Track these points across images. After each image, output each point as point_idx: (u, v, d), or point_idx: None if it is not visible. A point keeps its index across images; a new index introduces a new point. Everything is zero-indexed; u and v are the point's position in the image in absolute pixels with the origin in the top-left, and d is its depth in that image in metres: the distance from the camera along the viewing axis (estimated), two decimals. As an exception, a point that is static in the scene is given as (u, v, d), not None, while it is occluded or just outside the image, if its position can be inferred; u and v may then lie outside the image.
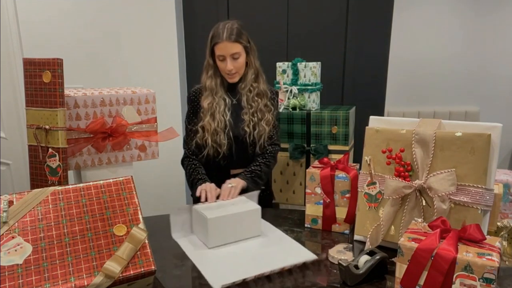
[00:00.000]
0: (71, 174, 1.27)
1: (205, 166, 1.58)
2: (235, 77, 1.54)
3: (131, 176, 1.04)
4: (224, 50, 1.47)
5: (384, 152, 1.14)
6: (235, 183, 1.42)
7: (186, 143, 1.59)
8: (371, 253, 1.03)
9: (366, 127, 1.20)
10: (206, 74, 1.57)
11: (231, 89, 1.60)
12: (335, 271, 1.05)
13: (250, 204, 1.30)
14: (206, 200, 1.34)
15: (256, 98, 1.58)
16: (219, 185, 1.43)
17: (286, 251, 1.16)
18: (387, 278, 1.01)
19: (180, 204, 2.38)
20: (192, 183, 1.52)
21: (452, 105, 3.25)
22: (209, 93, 1.55)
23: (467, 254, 0.82)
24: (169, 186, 2.64)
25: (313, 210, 1.33)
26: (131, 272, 0.88)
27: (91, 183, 0.99)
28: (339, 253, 1.11)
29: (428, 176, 1.06)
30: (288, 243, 1.22)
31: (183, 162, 1.60)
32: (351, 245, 1.18)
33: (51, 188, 0.95)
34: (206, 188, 1.37)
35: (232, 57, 1.49)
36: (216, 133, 1.52)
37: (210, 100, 1.54)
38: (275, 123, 1.63)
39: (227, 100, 1.56)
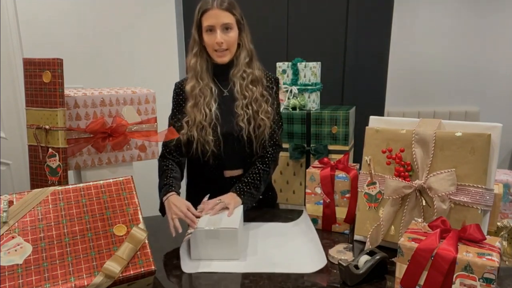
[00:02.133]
0: (71, 174, 1.27)
1: (195, 166, 1.45)
2: (226, 55, 1.32)
3: (131, 176, 1.04)
4: (214, 19, 1.27)
5: (384, 152, 1.14)
6: (227, 201, 1.25)
7: (164, 147, 1.41)
8: (371, 253, 1.03)
9: (366, 127, 1.20)
10: (190, 53, 1.36)
11: (220, 76, 1.38)
12: (335, 271, 1.05)
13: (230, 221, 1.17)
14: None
15: (250, 86, 1.36)
16: (212, 189, 1.32)
17: (301, 258, 1.13)
18: (387, 278, 1.01)
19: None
20: (159, 187, 1.34)
21: (452, 105, 3.25)
22: (193, 75, 1.34)
23: (467, 254, 0.82)
24: (169, 186, 2.64)
25: (313, 210, 1.33)
26: (131, 272, 0.88)
27: (91, 183, 0.99)
28: (339, 253, 1.11)
29: (428, 176, 1.06)
30: (308, 249, 1.17)
31: (158, 161, 1.42)
32: (351, 245, 1.18)
33: (51, 188, 0.95)
34: (178, 214, 1.19)
35: (224, 28, 1.29)
36: (201, 127, 1.33)
37: (193, 83, 1.33)
38: (276, 118, 1.43)
39: (213, 89, 1.35)
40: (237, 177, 1.43)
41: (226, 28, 1.29)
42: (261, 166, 1.40)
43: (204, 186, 1.43)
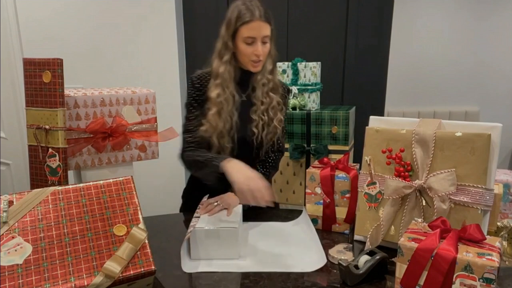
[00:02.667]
0: (71, 174, 1.27)
1: None
2: (260, 65, 1.33)
3: (131, 176, 1.04)
4: (256, 31, 1.25)
5: (384, 152, 1.14)
6: (225, 201, 1.24)
7: (188, 130, 1.36)
8: (371, 253, 1.03)
9: (366, 127, 1.20)
10: (219, 60, 1.33)
11: (242, 81, 1.38)
12: (335, 271, 1.05)
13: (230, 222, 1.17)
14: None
15: (270, 93, 1.37)
16: (213, 189, 1.31)
17: (299, 256, 1.13)
18: (387, 278, 1.01)
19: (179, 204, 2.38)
20: (210, 162, 1.26)
21: (452, 105, 3.25)
22: (220, 83, 1.32)
23: (467, 254, 0.82)
24: (169, 186, 2.64)
25: (313, 210, 1.33)
26: (131, 272, 0.88)
27: (91, 183, 0.99)
28: (339, 253, 1.11)
29: (428, 176, 1.06)
30: (308, 248, 1.18)
31: (185, 151, 1.36)
32: (351, 245, 1.18)
33: (51, 188, 0.95)
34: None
35: (263, 41, 1.28)
36: (221, 135, 1.34)
37: (219, 92, 1.32)
38: (283, 125, 1.47)
39: (236, 97, 1.35)
40: None
41: (264, 41, 1.29)
42: (261, 169, 1.42)
43: (204, 185, 1.42)
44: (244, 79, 1.38)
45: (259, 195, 1.11)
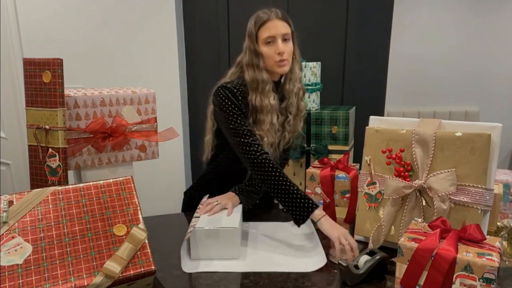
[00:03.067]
0: (71, 174, 1.27)
1: (225, 171, 1.42)
2: (286, 65, 1.29)
3: (131, 176, 1.04)
4: (274, 30, 1.25)
5: (384, 152, 1.14)
6: (225, 201, 1.25)
7: (254, 145, 1.24)
8: (371, 253, 1.03)
9: (366, 127, 1.20)
10: (255, 68, 1.29)
11: (275, 89, 1.34)
12: (335, 271, 1.05)
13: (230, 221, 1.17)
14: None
15: (302, 102, 1.38)
16: (223, 186, 1.34)
17: (299, 257, 1.13)
18: (387, 278, 1.01)
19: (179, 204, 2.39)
20: (305, 198, 1.18)
21: (452, 105, 3.25)
22: (269, 90, 1.29)
23: (467, 254, 0.82)
24: (169, 186, 2.64)
25: (313, 210, 1.33)
26: (131, 272, 0.88)
27: (91, 183, 0.99)
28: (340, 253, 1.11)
29: (428, 176, 1.06)
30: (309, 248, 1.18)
31: (261, 153, 1.23)
32: None
33: (51, 188, 0.95)
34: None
35: (283, 39, 1.27)
36: (271, 145, 1.32)
37: (268, 101, 1.28)
38: None
39: (276, 105, 1.33)
40: None
41: (285, 39, 1.28)
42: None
43: (209, 186, 1.43)
44: (275, 87, 1.35)
45: (356, 252, 1.07)
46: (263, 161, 1.22)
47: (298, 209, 1.16)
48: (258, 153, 1.23)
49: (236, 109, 1.27)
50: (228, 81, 1.33)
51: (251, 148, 1.23)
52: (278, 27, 1.26)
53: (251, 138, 1.25)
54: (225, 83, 1.31)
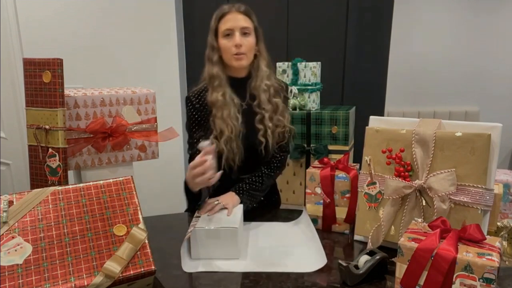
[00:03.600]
0: (71, 174, 1.27)
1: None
2: (243, 59, 1.28)
3: (131, 176, 1.04)
4: (232, 22, 1.25)
5: (384, 152, 1.14)
6: (225, 201, 1.24)
7: (191, 156, 1.34)
8: (371, 253, 1.03)
9: (366, 127, 1.20)
10: (210, 63, 1.31)
11: (238, 89, 1.34)
12: (335, 271, 1.05)
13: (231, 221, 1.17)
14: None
15: (274, 99, 1.33)
16: (217, 189, 1.30)
17: (300, 258, 1.13)
18: (387, 278, 1.01)
19: (179, 204, 2.39)
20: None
21: (452, 105, 3.25)
22: (217, 85, 1.28)
23: (467, 254, 0.82)
24: (169, 186, 2.64)
25: (313, 210, 1.33)
26: (131, 272, 0.88)
27: (91, 183, 0.99)
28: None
29: (428, 176, 1.06)
30: (309, 250, 1.17)
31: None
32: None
33: (51, 188, 0.95)
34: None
35: (242, 32, 1.25)
36: (229, 140, 1.29)
37: (217, 94, 1.28)
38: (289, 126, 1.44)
39: (235, 101, 1.31)
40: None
41: (244, 33, 1.27)
42: (265, 170, 1.42)
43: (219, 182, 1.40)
44: (239, 86, 1.34)
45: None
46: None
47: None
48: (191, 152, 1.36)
49: (189, 120, 1.37)
50: (195, 88, 1.38)
51: (190, 157, 1.36)
52: (237, 20, 1.25)
53: (190, 151, 1.38)
54: (191, 91, 1.38)
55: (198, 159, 1.09)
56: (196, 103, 1.35)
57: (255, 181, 1.38)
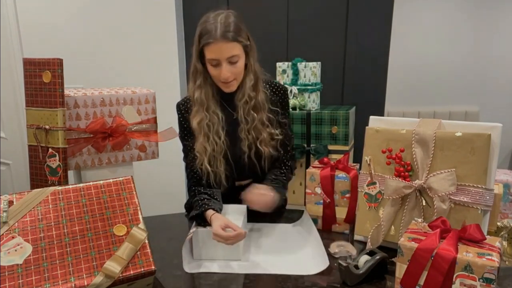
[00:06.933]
0: (71, 174, 1.27)
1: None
2: (233, 85, 1.25)
3: (131, 176, 1.04)
4: (218, 53, 1.16)
5: (384, 152, 1.14)
6: (267, 192, 1.21)
7: (187, 165, 1.35)
8: (371, 253, 1.03)
9: (366, 127, 1.20)
10: (193, 84, 1.28)
11: (228, 100, 1.31)
12: (335, 271, 1.05)
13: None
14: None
15: (252, 112, 1.28)
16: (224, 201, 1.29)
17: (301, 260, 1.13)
18: (387, 278, 1.01)
19: (179, 204, 2.39)
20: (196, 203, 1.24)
21: (452, 105, 3.25)
22: (199, 109, 1.26)
23: (467, 254, 0.82)
24: (169, 186, 2.64)
25: (313, 210, 1.33)
26: (131, 272, 0.88)
27: (91, 183, 0.99)
28: (340, 246, 1.12)
29: (428, 176, 1.06)
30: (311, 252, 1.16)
31: (190, 187, 1.36)
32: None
33: (51, 188, 0.95)
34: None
35: (229, 61, 1.18)
36: (212, 159, 1.28)
37: (201, 117, 1.26)
38: (289, 133, 1.42)
39: (220, 116, 1.28)
40: (246, 185, 1.37)
41: (232, 62, 1.19)
42: (284, 169, 1.40)
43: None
44: (228, 97, 1.31)
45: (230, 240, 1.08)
46: (193, 175, 1.34)
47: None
48: (188, 170, 1.35)
49: (182, 130, 1.36)
50: (186, 95, 1.36)
51: (187, 165, 1.36)
52: (223, 50, 1.16)
53: (188, 170, 1.36)
54: (182, 98, 1.37)
55: (225, 235, 1.07)
56: (184, 112, 1.33)
57: (279, 177, 1.35)
